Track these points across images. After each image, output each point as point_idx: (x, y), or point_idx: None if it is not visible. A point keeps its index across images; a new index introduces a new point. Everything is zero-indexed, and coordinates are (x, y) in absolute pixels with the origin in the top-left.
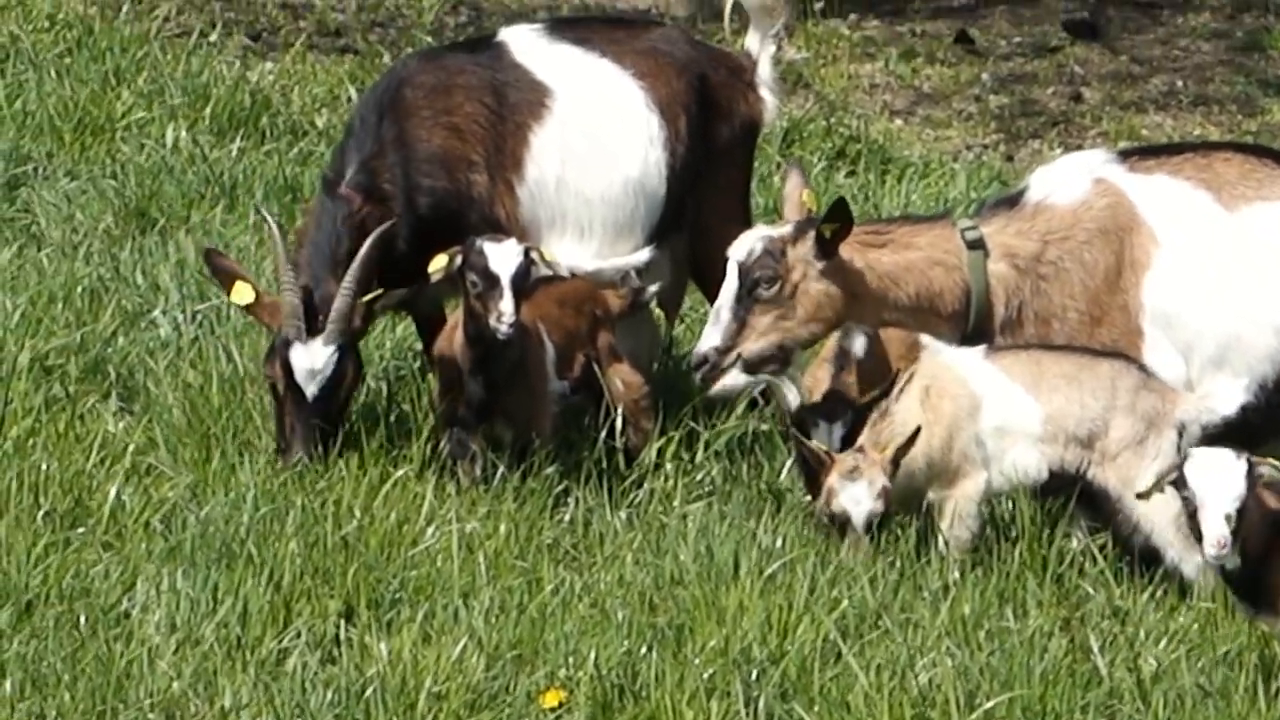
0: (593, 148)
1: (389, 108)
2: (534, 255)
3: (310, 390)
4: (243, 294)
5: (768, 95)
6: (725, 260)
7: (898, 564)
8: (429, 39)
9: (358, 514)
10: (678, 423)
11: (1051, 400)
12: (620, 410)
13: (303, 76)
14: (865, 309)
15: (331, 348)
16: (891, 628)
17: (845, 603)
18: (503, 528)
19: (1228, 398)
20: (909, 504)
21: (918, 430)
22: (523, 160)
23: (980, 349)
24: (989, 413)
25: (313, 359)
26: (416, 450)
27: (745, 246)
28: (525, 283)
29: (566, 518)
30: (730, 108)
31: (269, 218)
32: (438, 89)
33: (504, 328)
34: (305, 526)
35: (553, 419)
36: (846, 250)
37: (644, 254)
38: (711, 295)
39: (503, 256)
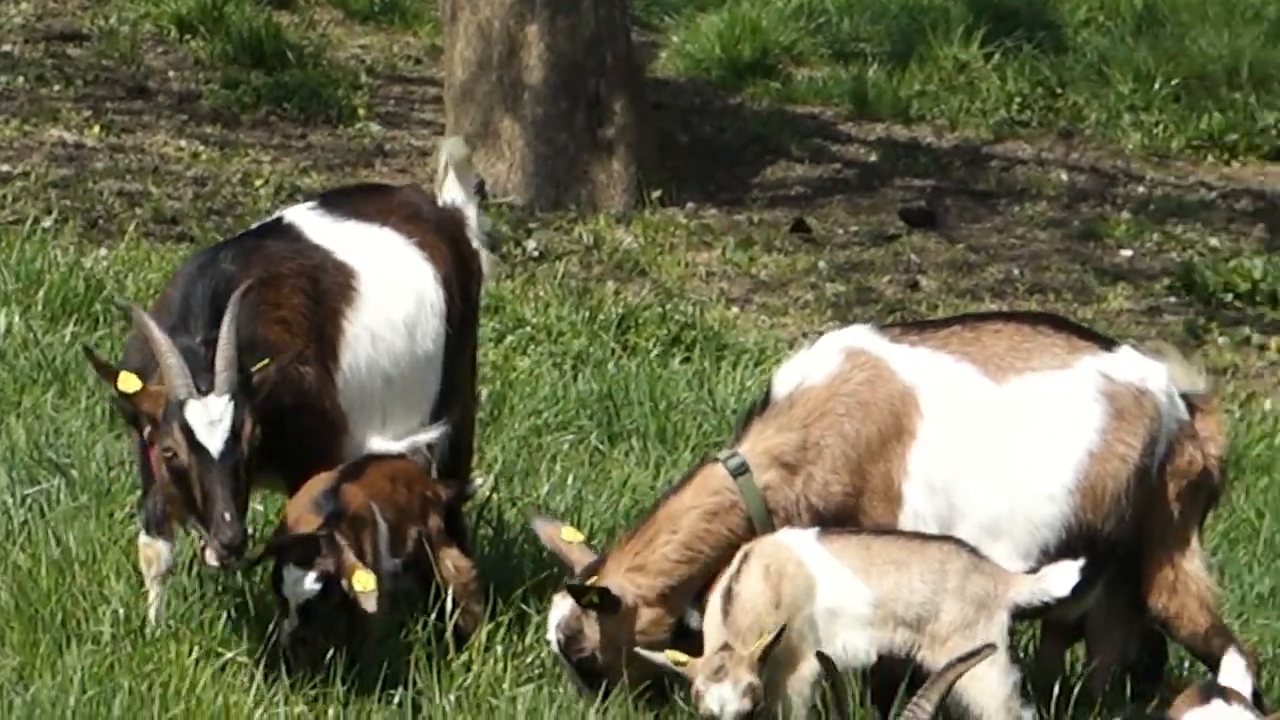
0: (395, 327)
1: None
2: (344, 583)
3: (215, 445)
4: (129, 383)
5: (482, 248)
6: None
7: None
8: None
9: (184, 696)
10: (508, 605)
11: (881, 584)
12: (450, 593)
13: (137, 263)
14: (683, 598)
15: (226, 397)
16: None
17: None
18: (331, 711)
19: (1064, 580)
20: None
21: (783, 629)
22: (339, 347)
23: (812, 532)
24: (822, 595)
25: (210, 412)
26: (247, 632)
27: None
28: (314, 611)
29: (396, 701)
30: (470, 266)
31: (133, 306)
32: (267, 282)
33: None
34: (132, 709)
35: (387, 599)
36: (623, 583)
37: (435, 431)
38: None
39: (295, 584)
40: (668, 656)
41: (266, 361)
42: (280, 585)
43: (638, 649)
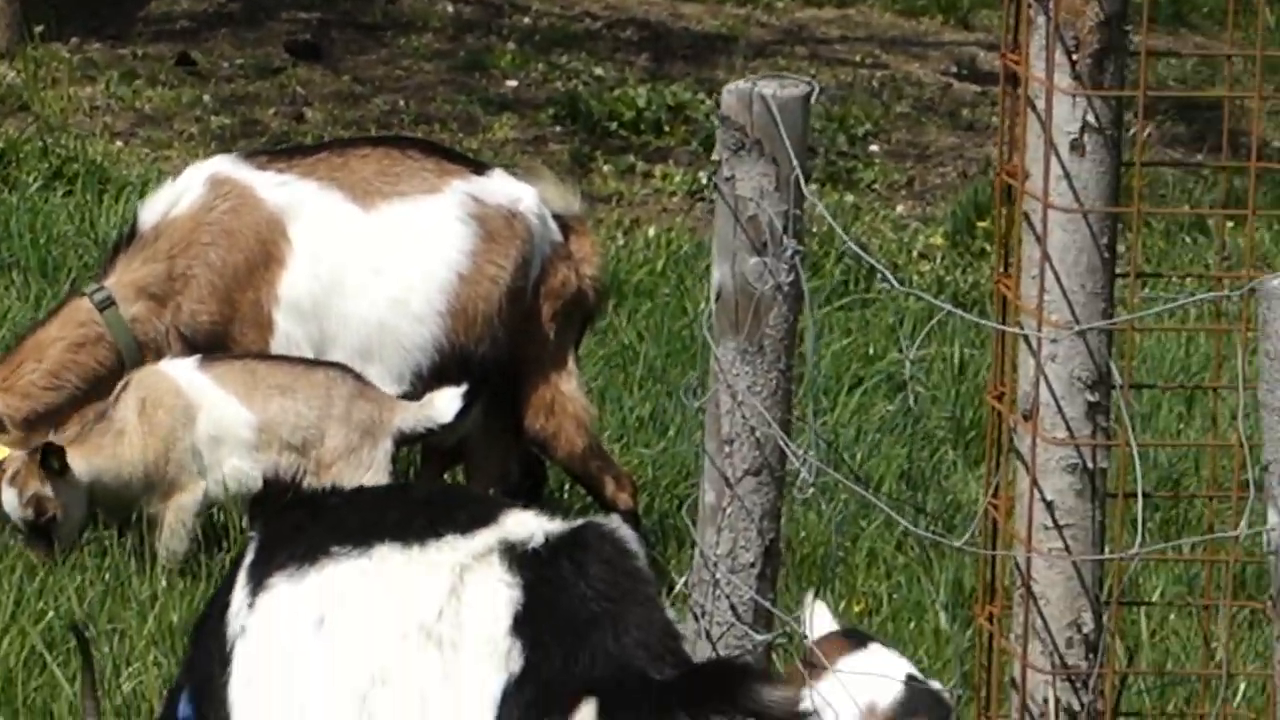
0: None
1: None
2: None
3: None
4: None
5: None
6: None
7: (107, 576)
8: None
9: None
10: None
11: (266, 409)
12: None
13: None
14: (48, 425)
15: None
16: (96, 637)
17: (51, 614)
18: None
19: (447, 405)
20: (125, 513)
21: (49, 443)
22: None
23: (194, 359)
24: (203, 422)
25: None
26: None
27: None
28: None
29: None
30: None
31: None
32: None
33: None
34: None
35: None
36: None
37: None
38: None
39: None
40: None
41: None
42: None
43: None
